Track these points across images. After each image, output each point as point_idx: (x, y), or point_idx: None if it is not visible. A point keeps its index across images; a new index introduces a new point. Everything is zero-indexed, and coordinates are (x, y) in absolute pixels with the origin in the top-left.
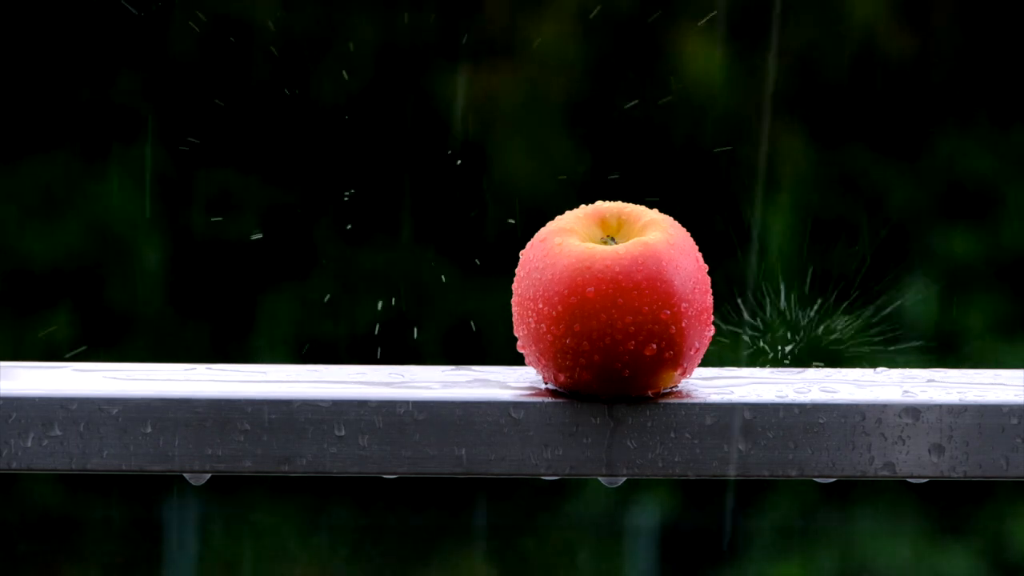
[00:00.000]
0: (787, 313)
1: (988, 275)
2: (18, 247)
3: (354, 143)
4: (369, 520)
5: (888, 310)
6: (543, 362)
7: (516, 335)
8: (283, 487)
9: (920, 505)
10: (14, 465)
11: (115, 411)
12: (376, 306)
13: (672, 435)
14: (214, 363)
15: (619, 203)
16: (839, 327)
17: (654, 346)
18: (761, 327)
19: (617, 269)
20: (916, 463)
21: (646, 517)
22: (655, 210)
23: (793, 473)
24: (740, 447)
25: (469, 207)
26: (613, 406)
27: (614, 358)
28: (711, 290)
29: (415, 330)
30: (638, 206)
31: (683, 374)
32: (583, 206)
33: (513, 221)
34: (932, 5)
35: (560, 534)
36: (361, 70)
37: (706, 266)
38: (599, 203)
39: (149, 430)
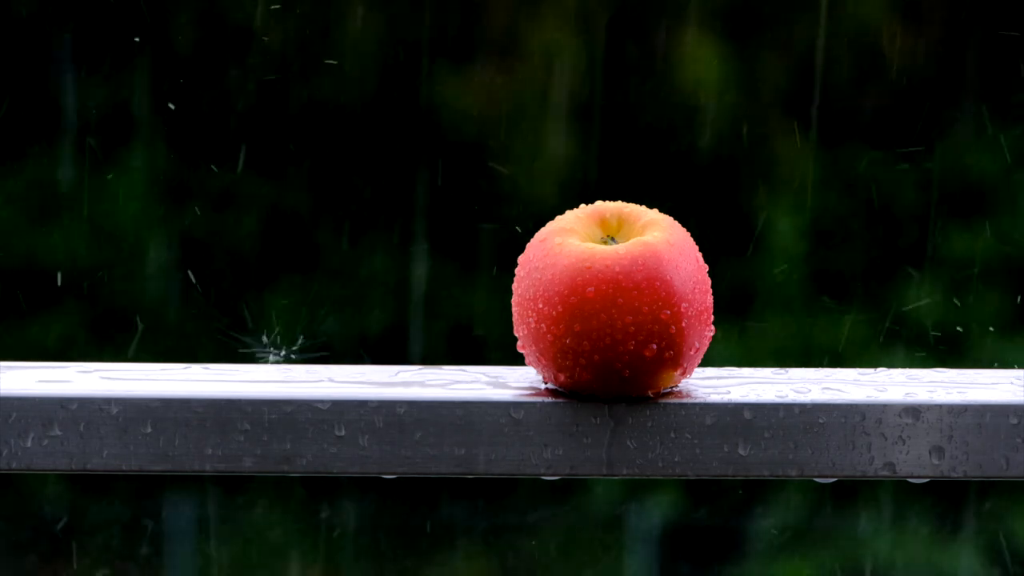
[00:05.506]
0: (787, 313)
1: (989, 275)
2: (19, 247)
3: (355, 143)
4: (369, 520)
5: (888, 310)
6: (543, 362)
7: (516, 335)
8: (283, 487)
9: (922, 504)
10: (14, 465)
11: (115, 411)
12: (377, 306)
13: (672, 435)
14: (214, 363)
15: (619, 203)
16: (839, 327)
17: (654, 346)
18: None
19: (617, 269)
20: (916, 463)
21: (649, 516)
22: (655, 210)
23: (793, 473)
24: (740, 447)
25: (469, 207)
26: (613, 406)
27: (614, 358)
28: (711, 290)
29: (415, 330)
30: (638, 206)
31: (683, 374)
32: (583, 206)
33: (513, 221)
34: (933, 4)
35: (561, 534)
36: (362, 70)
37: (706, 266)
38: (599, 203)
39: (149, 430)
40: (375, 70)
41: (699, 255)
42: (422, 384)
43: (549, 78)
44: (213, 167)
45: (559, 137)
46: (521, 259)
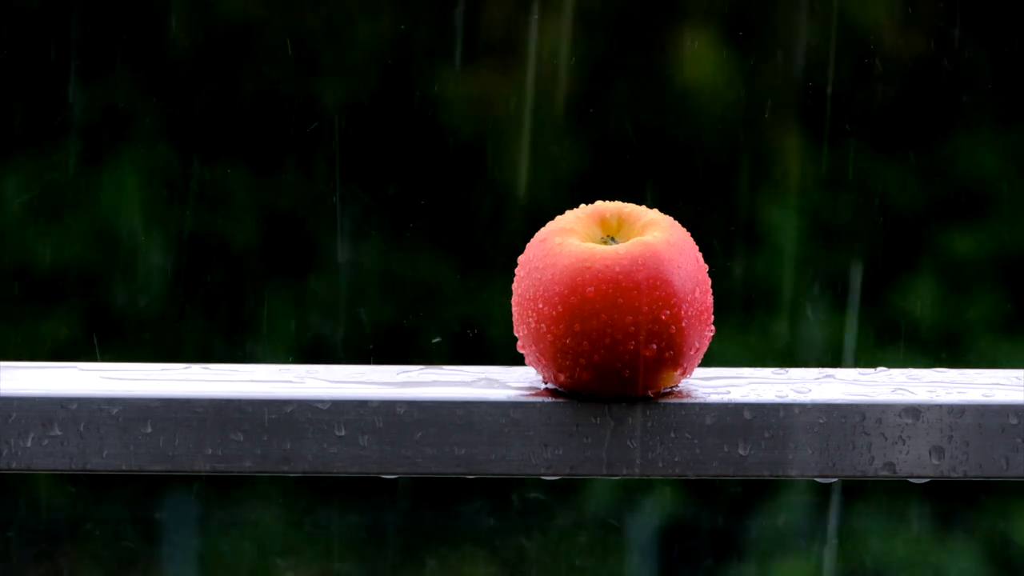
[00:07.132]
0: (788, 313)
1: (989, 275)
2: (19, 247)
3: (355, 143)
4: (369, 520)
5: (888, 310)
6: (543, 362)
7: (516, 335)
8: (283, 487)
9: (922, 503)
10: (14, 465)
11: (115, 411)
12: (376, 306)
13: (672, 435)
14: (214, 363)
15: (619, 203)
16: (839, 326)
17: (654, 346)
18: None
19: (617, 269)
20: (916, 463)
21: (648, 516)
22: (655, 210)
23: (793, 473)
24: (740, 447)
25: (469, 207)
26: (613, 406)
27: (614, 358)
28: (711, 290)
29: (415, 330)
30: (638, 206)
31: (683, 374)
32: (583, 206)
33: (513, 221)
34: (933, 3)
35: (561, 534)
36: (362, 70)
37: (706, 266)
38: (599, 203)
39: (149, 430)
40: (375, 69)
41: (699, 255)
42: (422, 384)
43: (549, 78)
44: (213, 166)
45: (559, 137)
46: (521, 259)
